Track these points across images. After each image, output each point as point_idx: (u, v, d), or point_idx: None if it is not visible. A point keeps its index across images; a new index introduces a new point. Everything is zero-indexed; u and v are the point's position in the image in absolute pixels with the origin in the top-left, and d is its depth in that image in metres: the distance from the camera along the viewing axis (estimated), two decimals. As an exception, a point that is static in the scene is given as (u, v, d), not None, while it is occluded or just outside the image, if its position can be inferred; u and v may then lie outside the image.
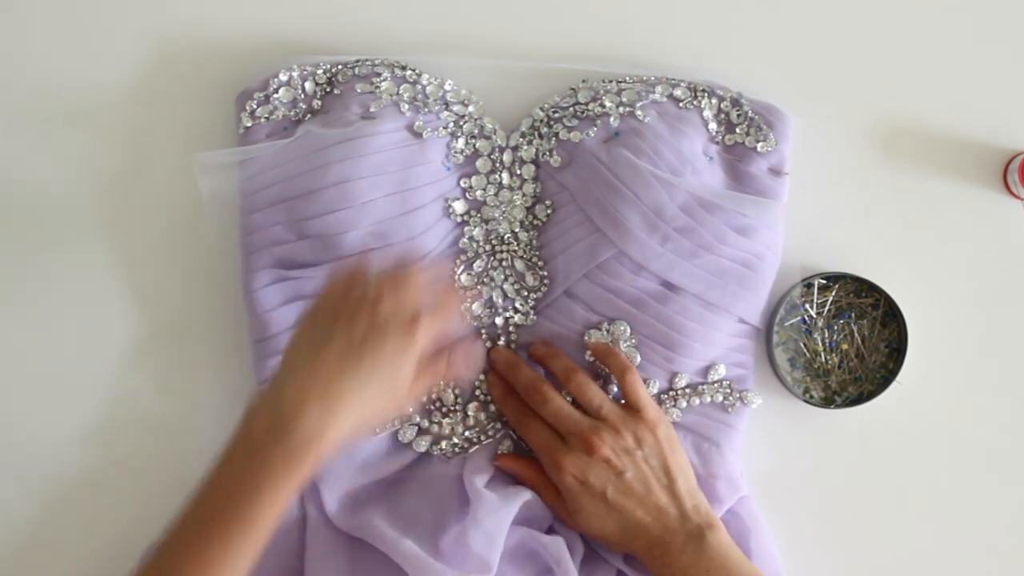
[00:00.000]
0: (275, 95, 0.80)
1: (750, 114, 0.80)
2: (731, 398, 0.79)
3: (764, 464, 0.82)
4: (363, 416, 0.66)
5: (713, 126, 0.80)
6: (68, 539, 0.81)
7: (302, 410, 0.63)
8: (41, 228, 0.83)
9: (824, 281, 0.82)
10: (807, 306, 0.82)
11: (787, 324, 0.82)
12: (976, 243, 0.84)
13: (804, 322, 0.82)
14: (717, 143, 0.80)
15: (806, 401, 0.81)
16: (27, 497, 0.81)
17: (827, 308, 0.82)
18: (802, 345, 0.82)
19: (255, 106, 0.80)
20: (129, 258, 0.83)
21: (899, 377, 0.81)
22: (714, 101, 0.80)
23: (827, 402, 0.82)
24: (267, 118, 0.80)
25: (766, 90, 0.82)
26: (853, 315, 0.82)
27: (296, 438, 0.63)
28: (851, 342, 0.82)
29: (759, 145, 0.80)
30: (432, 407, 0.79)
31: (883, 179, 0.84)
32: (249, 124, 0.80)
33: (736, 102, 0.80)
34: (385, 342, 0.66)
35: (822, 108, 0.84)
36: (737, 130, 0.80)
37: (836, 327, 0.82)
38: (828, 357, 0.82)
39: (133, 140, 0.84)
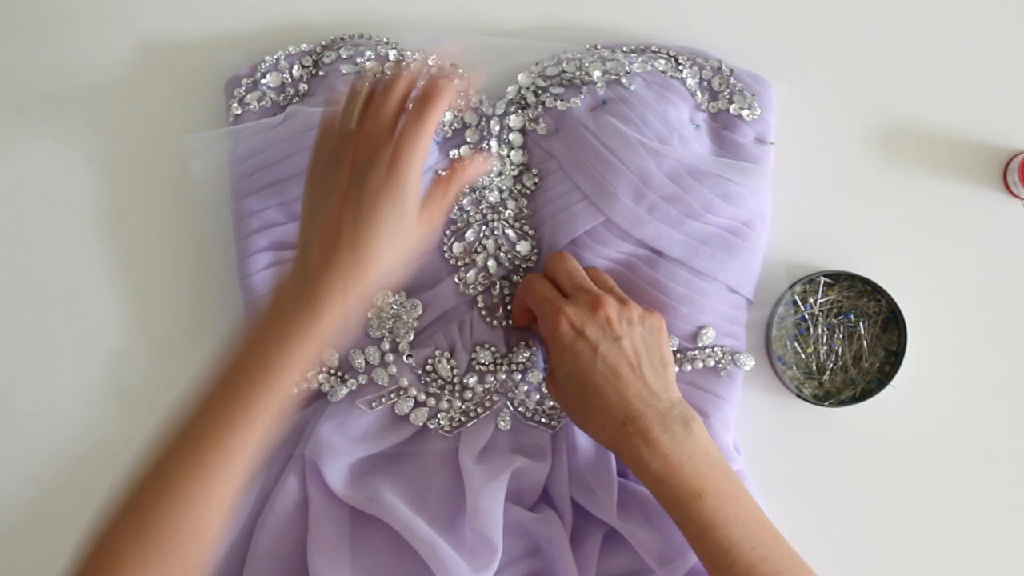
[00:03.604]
0: (263, 81, 0.80)
1: (732, 82, 0.80)
2: (723, 361, 0.78)
3: (763, 463, 0.81)
4: (384, 261, 0.64)
5: (698, 94, 0.80)
6: (66, 537, 0.79)
7: (321, 265, 0.63)
8: (31, 221, 0.83)
9: (828, 279, 0.81)
10: (809, 303, 0.81)
11: (787, 322, 0.81)
12: (976, 243, 0.84)
13: (804, 320, 0.81)
14: (703, 111, 0.80)
15: (799, 397, 0.80)
16: (25, 493, 0.81)
17: (828, 307, 0.81)
18: (797, 343, 0.81)
19: (243, 93, 0.80)
20: (121, 249, 0.83)
21: (894, 382, 0.80)
22: (695, 69, 0.80)
23: (821, 400, 0.81)
24: (256, 104, 0.79)
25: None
26: (853, 316, 0.81)
27: (320, 289, 0.62)
28: (848, 344, 0.81)
29: (744, 113, 0.80)
30: (428, 379, 0.78)
31: (883, 179, 0.84)
32: (239, 112, 0.80)
33: (717, 70, 0.80)
34: (369, 181, 0.63)
35: (822, 107, 0.84)
36: (720, 96, 0.80)
37: (835, 327, 0.81)
38: (825, 357, 0.81)
39: (123, 131, 0.84)
